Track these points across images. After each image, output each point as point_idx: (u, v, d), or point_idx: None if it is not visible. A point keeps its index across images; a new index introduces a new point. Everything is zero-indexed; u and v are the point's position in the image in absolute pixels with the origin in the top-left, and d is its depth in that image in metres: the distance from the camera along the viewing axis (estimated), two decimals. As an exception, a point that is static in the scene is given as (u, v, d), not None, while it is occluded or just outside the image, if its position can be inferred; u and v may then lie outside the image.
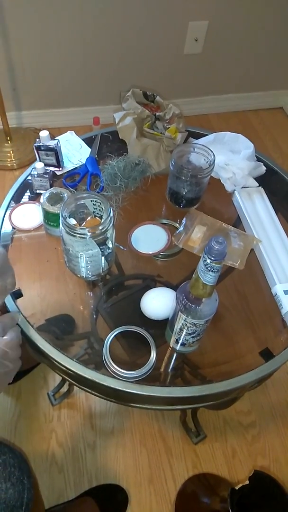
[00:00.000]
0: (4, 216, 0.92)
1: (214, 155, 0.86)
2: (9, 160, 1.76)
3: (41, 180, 0.93)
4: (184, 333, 0.68)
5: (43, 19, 1.60)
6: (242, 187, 0.97)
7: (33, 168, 0.94)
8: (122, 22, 1.68)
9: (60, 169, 1.00)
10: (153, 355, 0.72)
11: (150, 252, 0.86)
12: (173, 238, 0.87)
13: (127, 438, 1.17)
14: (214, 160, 0.86)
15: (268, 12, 1.78)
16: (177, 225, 0.91)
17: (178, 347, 0.73)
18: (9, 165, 1.76)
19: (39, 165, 0.92)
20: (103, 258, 0.76)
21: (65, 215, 0.71)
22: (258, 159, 1.01)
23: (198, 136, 1.06)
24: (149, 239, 0.88)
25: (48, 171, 0.94)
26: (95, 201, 0.76)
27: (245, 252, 0.85)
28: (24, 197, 0.97)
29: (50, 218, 0.86)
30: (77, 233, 0.70)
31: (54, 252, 0.89)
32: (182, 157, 0.91)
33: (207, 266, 0.54)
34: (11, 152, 1.77)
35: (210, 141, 0.99)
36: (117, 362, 0.71)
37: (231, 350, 0.77)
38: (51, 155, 0.96)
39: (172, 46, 1.81)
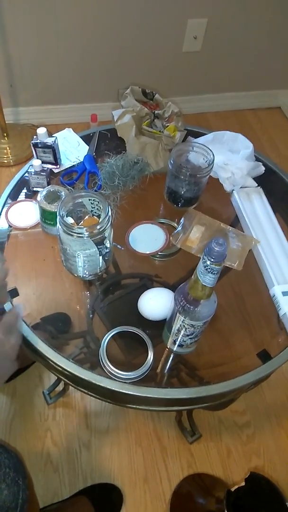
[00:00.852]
0: (0, 214, 0.91)
1: (213, 154, 0.86)
2: (5, 156, 1.74)
3: (38, 178, 0.92)
4: (181, 334, 0.67)
5: (41, 14, 1.59)
6: (241, 187, 0.96)
7: (30, 165, 0.93)
8: (120, 19, 1.66)
9: (58, 166, 0.99)
10: (150, 356, 0.71)
11: (148, 252, 0.86)
12: (171, 238, 0.87)
13: (122, 437, 1.16)
14: (213, 160, 0.85)
15: (268, 11, 1.77)
16: (175, 224, 0.91)
17: (175, 348, 0.72)
18: (5, 161, 1.74)
19: (36, 162, 0.91)
20: (100, 257, 0.75)
21: (62, 214, 0.70)
22: (257, 159, 1.01)
23: (196, 135, 1.05)
24: (147, 238, 0.87)
25: (45, 168, 0.93)
26: (93, 200, 0.76)
27: (243, 253, 0.85)
28: (20, 194, 0.96)
29: (47, 217, 0.85)
30: (75, 233, 0.69)
31: (51, 250, 0.88)
32: (181, 156, 0.90)
33: (206, 267, 0.53)
34: (7, 148, 1.76)
35: (209, 140, 0.99)
36: (113, 363, 0.70)
37: (228, 351, 0.77)
38: (48, 152, 0.95)
39: (171, 43, 1.80)
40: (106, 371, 0.70)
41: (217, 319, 0.76)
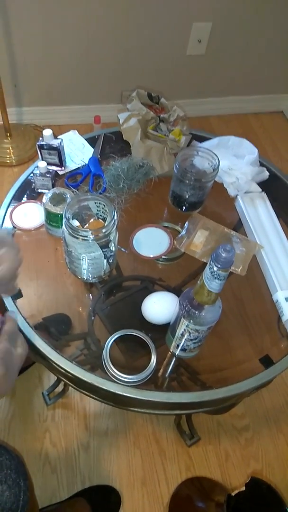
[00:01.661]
0: (5, 215, 0.91)
1: (218, 159, 0.86)
2: (8, 156, 1.74)
3: (43, 180, 0.92)
4: (185, 338, 0.67)
5: (46, 15, 1.59)
6: (245, 192, 0.97)
7: (35, 167, 0.93)
8: (125, 21, 1.67)
9: (63, 168, 0.99)
10: (154, 359, 0.72)
11: (152, 255, 0.86)
12: (175, 242, 0.87)
13: (121, 439, 1.16)
14: (219, 165, 0.85)
15: (272, 15, 1.78)
16: (179, 228, 0.91)
17: (178, 352, 0.73)
18: (8, 161, 1.74)
19: (41, 164, 0.91)
20: (105, 260, 0.75)
21: (68, 217, 0.70)
22: (261, 164, 1.01)
23: (201, 139, 1.05)
24: (151, 242, 0.87)
25: (50, 170, 0.93)
26: (99, 203, 0.76)
27: (247, 258, 0.85)
28: (25, 195, 0.96)
29: (52, 219, 0.85)
30: (80, 235, 0.69)
31: (55, 252, 0.88)
32: (186, 161, 0.90)
33: (213, 273, 0.53)
34: (10, 148, 1.75)
35: (214, 145, 0.99)
36: (116, 366, 0.70)
37: (231, 356, 0.77)
38: (53, 154, 0.95)
39: (175, 46, 1.81)
40: (109, 374, 0.70)
41: (220, 323, 0.76)
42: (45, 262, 0.87)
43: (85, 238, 0.70)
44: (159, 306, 0.75)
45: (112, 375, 0.70)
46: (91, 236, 0.69)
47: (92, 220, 0.79)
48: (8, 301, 0.76)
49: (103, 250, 0.72)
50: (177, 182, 0.89)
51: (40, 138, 0.93)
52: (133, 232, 0.89)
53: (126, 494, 1.08)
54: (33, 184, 0.95)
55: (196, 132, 1.08)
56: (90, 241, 0.70)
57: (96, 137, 1.07)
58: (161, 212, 0.97)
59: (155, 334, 0.75)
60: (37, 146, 0.93)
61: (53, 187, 0.93)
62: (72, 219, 0.75)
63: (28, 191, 0.96)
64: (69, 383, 0.79)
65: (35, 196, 0.96)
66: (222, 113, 2.11)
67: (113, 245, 0.74)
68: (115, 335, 0.74)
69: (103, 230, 0.70)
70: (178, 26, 1.74)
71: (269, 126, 2.12)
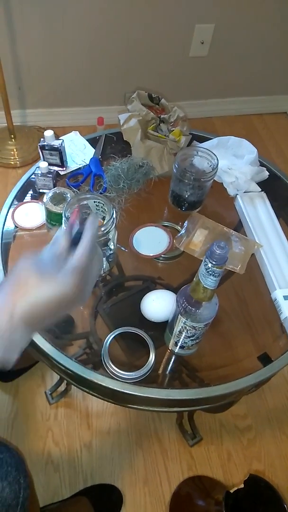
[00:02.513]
0: (7, 214, 0.92)
1: (217, 159, 0.87)
2: (12, 158, 1.76)
3: (44, 180, 0.94)
4: (183, 336, 0.68)
5: (49, 18, 1.61)
6: (245, 192, 0.97)
7: (37, 167, 0.94)
8: (128, 23, 1.68)
9: (64, 169, 1.00)
10: (152, 357, 0.72)
11: (151, 254, 0.86)
12: (174, 241, 0.88)
13: (123, 438, 1.17)
14: (218, 164, 0.86)
15: (275, 16, 1.78)
16: (179, 228, 0.92)
17: (177, 349, 0.73)
18: (12, 163, 1.76)
19: (43, 164, 0.92)
20: (104, 259, 0.76)
21: (68, 216, 0.71)
22: (261, 164, 1.02)
23: (202, 139, 1.06)
24: (151, 241, 0.88)
25: (51, 170, 0.94)
26: (98, 202, 0.77)
27: (246, 257, 0.86)
28: (27, 195, 0.97)
29: (53, 218, 0.86)
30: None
31: (56, 251, 0.89)
32: (185, 160, 0.91)
33: (208, 270, 0.54)
34: (14, 150, 1.78)
35: (213, 145, 1.00)
36: (115, 363, 0.71)
37: (229, 353, 0.77)
38: (55, 154, 0.96)
39: (178, 48, 1.82)
40: (108, 371, 0.71)
41: (218, 321, 0.77)
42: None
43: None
44: (157, 304, 0.76)
45: (111, 372, 0.71)
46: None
47: (91, 219, 0.80)
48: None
49: (102, 248, 0.73)
50: (176, 181, 0.89)
51: (42, 139, 0.95)
52: (133, 231, 0.89)
53: (128, 493, 1.09)
54: (35, 184, 0.96)
55: (196, 132, 1.09)
56: (89, 240, 0.71)
57: (97, 137, 1.08)
58: (161, 212, 0.97)
59: (156, 332, 0.76)
60: (38, 146, 0.95)
61: (54, 187, 0.94)
62: (72, 218, 0.76)
63: (31, 191, 0.98)
64: (69, 380, 0.80)
65: (37, 196, 0.97)
66: (225, 115, 2.11)
67: (112, 243, 0.75)
68: (114, 333, 0.74)
69: (102, 229, 0.71)
70: (181, 28, 1.75)
71: (273, 127, 2.12)
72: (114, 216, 0.72)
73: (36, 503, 0.88)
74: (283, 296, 0.79)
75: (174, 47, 1.80)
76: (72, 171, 1.01)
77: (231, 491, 0.82)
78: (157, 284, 0.85)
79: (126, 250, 0.88)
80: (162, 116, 1.04)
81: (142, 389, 0.69)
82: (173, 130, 1.01)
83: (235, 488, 0.82)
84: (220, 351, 0.78)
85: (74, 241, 0.51)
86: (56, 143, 0.94)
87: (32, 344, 0.74)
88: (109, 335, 0.74)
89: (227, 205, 0.98)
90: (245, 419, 1.23)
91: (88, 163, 1.01)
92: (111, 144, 1.07)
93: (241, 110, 2.12)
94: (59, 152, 0.95)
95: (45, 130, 0.94)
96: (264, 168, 1.00)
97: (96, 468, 1.12)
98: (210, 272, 0.54)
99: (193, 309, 0.62)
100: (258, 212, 0.94)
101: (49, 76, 1.79)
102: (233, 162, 0.97)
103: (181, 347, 0.71)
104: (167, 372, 0.75)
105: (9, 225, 0.91)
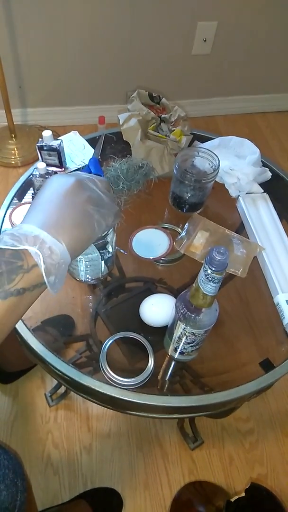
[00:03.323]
0: (4, 215, 0.91)
1: (219, 159, 0.85)
2: (13, 157, 1.75)
3: (43, 181, 0.92)
4: (182, 342, 0.66)
5: (50, 17, 1.59)
6: (247, 193, 0.95)
7: (35, 168, 0.93)
8: (130, 21, 1.66)
9: (63, 169, 0.98)
10: (151, 362, 0.71)
11: (151, 257, 0.85)
12: (174, 243, 0.86)
13: (124, 441, 1.16)
14: (219, 165, 0.84)
15: (278, 13, 1.76)
16: (179, 230, 0.90)
17: (176, 355, 0.72)
18: (13, 162, 1.75)
19: (41, 165, 0.91)
20: (102, 262, 0.75)
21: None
22: (264, 164, 1.00)
23: (203, 139, 1.04)
24: (151, 243, 0.86)
25: (50, 171, 0.93)
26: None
27: (248, 260, 0.84)
28: (26, 195, 0.96)
29: (51, 220, 0.84)
30: (77, 237, 0.69)
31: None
32: (186, 161, 0.89)
33: (207, 276, 0.52)
34: (15, 149, 1.76)
35: (215, 145, 0.98)
36: (114, 369, 0.69)
37: (230, 359, 0.76)
38: (53, 155, 0.94)
39: (180, 46, 1.80)
40: (106, 377, 0.69)
41: (220, 326, 0.75)
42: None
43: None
44: (157, 309, 0.74)
45: (109, 378, 0.69)
46: (88, 238, 0.69)
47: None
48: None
49: (100, 251, 0.72)
50: (177, 183, 0.88)
51: (40, 139, 0.93)
52: (133, 233, 0.88)
53: (128, 497, 1.08)
54: (33, 186, 0.95)
55: (198, 132, 1.07)
56: (87, 243, 0.69)
57: (97, 137, 1.06)
58: (161, 213, 0.96)
59: (155, 337, 0.74)
60: (36, 147, 0.93)
61: (53, 188, 0.93)
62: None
63: (31, 192, 0.96)
64: (67, 386, 0.78)
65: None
66: (228, 113, 2.09)
67: (110, 246, 0.73)
68: (112, 338, 0.73)
69: (100, 232, 0.69)
70: (183, 26, 1.73)
71: (276, 125, 2.10)
72: (113, 219, 0.70)
73: (33, 506, 0.87)
74: (286, 301, 0.78)
75: (176, 45, 1.78)
76: (71, 171, 0.99)
77: (232, 499, 0.80)
78: (157, 286, 0.83)
79: (126, 253, 0.86)
80: (162, 115, 1.02)
81: (141, 396, 0.67)
82: (174, 130, 0.99)
83: (236, 497, 0.81)
84: (221, 357, 0.77)
85: None
86: (55, 143, 0.93)
87: (29, 348, 0.72)
88: (107, 340, 0.73)
89: (228, 207, 0.97)
90: (247, 422, 1.21)
91: (87, 163, 0.99)
92: (110, 144, 1.05)
93: (244, 109, 2.10)
94: (58, 152, 0.94)
95: (46, 129, 0.93)
96: (267, 169, 0.98)
97: (96, 471, 1.11)
98: (209, 279, 0.52)
99: (193, 315, 0.60)
100: (260, 214, 0.92)
101: (50, 74, 1.77)
102: (235, 162, 0.95)
103: (181, 353, 0.70)
104: (167, 378, 0.74)
105: (7, 227, 0.90)
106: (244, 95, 2.06)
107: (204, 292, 0.55)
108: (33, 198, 0.95)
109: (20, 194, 0.96)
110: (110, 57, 1.76)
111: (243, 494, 0.81)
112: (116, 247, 0.82)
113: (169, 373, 0.74)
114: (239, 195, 0.95)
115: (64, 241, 0.47)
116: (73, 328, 0.80)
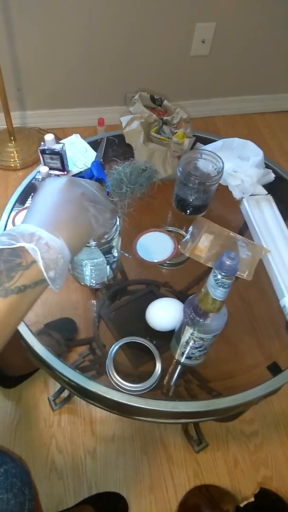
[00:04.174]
0: (7, 220, 0.90)
1: (222, 162, 0.84)
2: (12, 160, 1.74)
3: (45, 184, 0.91)
4: (190, 346, 0.66)
5: (49, 19, 1.58)
6: (251, 195, 0.95)
7: (37, 172, 0.92)
8: (128, 22, 1.66)
9: (65, 173, 0.98)
10: (158, 368, 0.70)
11: (156, 261, 0.84)
12: (179, 247, 0.86)
13: (128, 445, 1.15)
14: (223, 168, 0.84)
15: (276, 14, 1.76)
16: (184, 233, 0.89)
17: (183, 359, 0.71)
18: (12, 165, 1.74)
19: (43, 169, 0.90)
20: (108, 266, 0.74)
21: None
22: (267, 166, 0.99)
23: (205, 141, 1.04)
24: (155, 247, 0.86)
25: (52, 175, 0.92)
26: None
27: (253, 263, 0.83)
28: (29, 200, 0.95)
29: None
30: (82, 242, 0.68)
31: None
32: (189, 164, 0.89)
33: (217, 281, 0.52)
34: (14, 152, 1.75)
35: (218, 147, 0.97)
36: (120, 374, 0.69)
37: (237, 363, 0.75)
38: (56, 159, 0.94)
39: (179, 47, 1.79)
40: (113, 383, 0.69)
41: (226, 330, 0.75)
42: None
43: (88, 244, 0.68)
44: (163, 313, 0.74)
45: (116, 383, 0.69)
46: (93, 243, 0.68)
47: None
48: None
49: (106, 256, 0.71)
50: (180, 185, 0.87)
51: (42, 143, 0.92)
52: (137, 237, 0.87)
53: (133, 501, 1.07)
54: (36, 190, 0.94)
55: (200, 134, 1.07)
56: (92, 248, 0.69)
57: (99, 140, 1.05)
58: (165, 216, 0.95)
59: (161, 340, 0.74)
60: (39, 150, 0.92)
61: (55, 192, 0.92)
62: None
63: (32, 195, 0.96)
64: (72, 391, 0.78)
65: (38, 201, 0.94)
66: (227, 114, 2.09)
67: (115, 251, 0.73)
68: (118, 343, 0.72)
69: (106, 236, 0.69)
70: (182, 27, 1.72)
71: (275, 126, 2.10)
72: (118, 223, 0.70)
73: (40, 514, 0.86)
74: (292, 303, 0.77)
75: (175, 46, 1.78)
76: (74, 175, 0.99)
77: (241, 505, 0.80)
78: (161, 288, 0.83)
79: (130, 257, 0.86)
80: (164, 118, 1.02)
81: (149, 402, 0.67)
82: (176, 132, 0.99)
83: (245, 502, 0.80)
84: (228, 361, 0.76)
85: None
86: (57, 147, 0.92)
87: (35, 354, 0.72)
88: (113, 346, 0.72)
89: (232, 209, 0.96)
90: (252, 424, 1.21)
91: (89, 166, 0.99)
92: (112, 147, 1.05)
93: (243, 109, 2.10)
94: (60, 156, 0.93)
95: (46, 131, 0.92)
96: (270, 170, 0.98)
97: (100, 476, 1.11)
98: (219, 284, 0.52)
99: (201, 320, 0.60)
100: (264, 216, 0.91)
101: (48, 77, 1.76)
102: (239, 164, 0.94)
103: (188, 357, 0.69)
104: (174, 383, 0.73)
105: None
106: (243, 95, 2.05)
107: (213, 297, 0.55)
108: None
109: (22, 198, 0.95)
110: (108, 58, 1.75)
111: (252, 499, 0.80)
112: (121, 251, 0.81)
113: (175, 377, 0.74)
114: (243, 197, 0.95)
115: (62, 236, 0.47)
116: (76, 331, 0.79)
